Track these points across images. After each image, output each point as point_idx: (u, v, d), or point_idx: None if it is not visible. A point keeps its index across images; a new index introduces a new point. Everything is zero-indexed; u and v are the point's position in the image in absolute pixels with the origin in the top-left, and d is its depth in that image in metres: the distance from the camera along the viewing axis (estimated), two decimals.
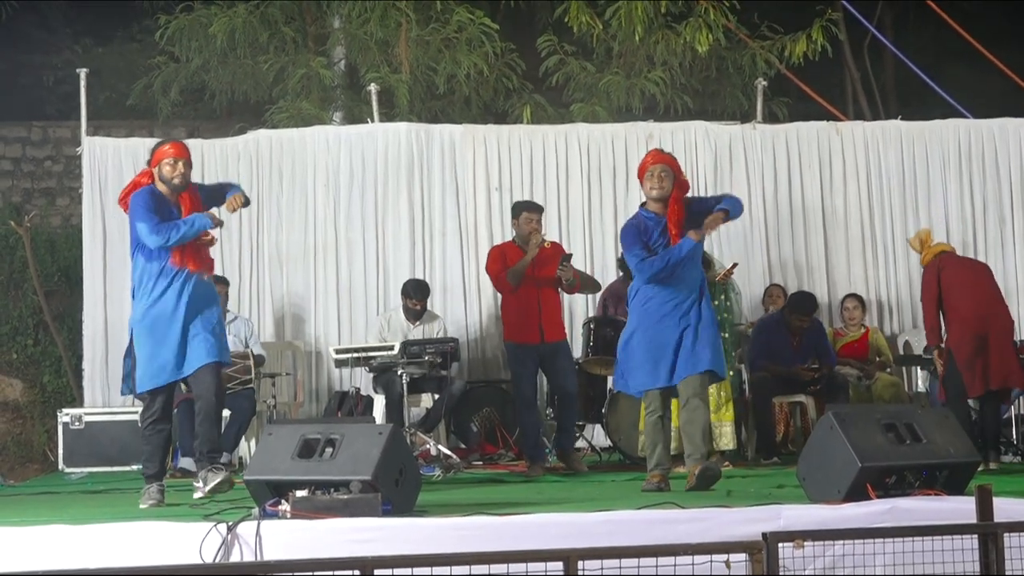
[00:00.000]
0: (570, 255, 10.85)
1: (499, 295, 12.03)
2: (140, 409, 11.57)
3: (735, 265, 11.18)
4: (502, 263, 10.76)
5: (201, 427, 8.55)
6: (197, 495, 8.48)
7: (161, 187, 8.59)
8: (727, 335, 10.75)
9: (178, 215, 8.52)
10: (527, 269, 10.65)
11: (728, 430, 10.67)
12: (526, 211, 10.93)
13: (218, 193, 8.93)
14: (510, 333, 10.82)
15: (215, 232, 8.65)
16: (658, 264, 8.84)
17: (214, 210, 8.69)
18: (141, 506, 8.37)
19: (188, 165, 8.67)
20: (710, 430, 9.98)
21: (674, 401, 9.17)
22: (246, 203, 8.73)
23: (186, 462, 10.87)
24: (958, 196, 13.39)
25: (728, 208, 8.95)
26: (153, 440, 8.56)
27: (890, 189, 13.38)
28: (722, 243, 12.95)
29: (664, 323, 8.86)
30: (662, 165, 8.99)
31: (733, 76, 15.54)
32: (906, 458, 7.54)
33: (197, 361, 8.44)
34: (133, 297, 8.74)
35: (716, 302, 10.72)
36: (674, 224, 8.90)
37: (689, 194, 9.20)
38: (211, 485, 8.24)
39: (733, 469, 10.38)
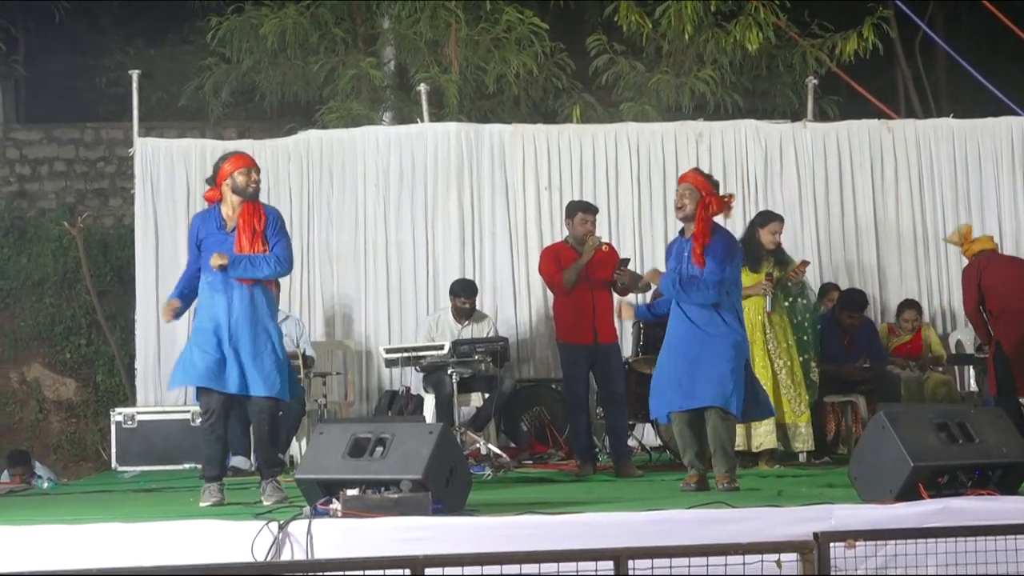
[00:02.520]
0: (627, 260, 10.76)
1: (549, 295, 12.06)
2: (192, 408, 11.80)
3: (805, 263, 11.03)
4: (556, 264, 10.69)
5: (257, 447, 8.83)
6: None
7: (229, 202, 8.62)
8: (810, 335, 10.74)
9: (223, 240, 8.57)
10: (582, 271, 10.60)
11: (803, 431, 10.62)
12: (581, 212, 10.84)
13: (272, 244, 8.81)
14: (563, 333, 10.75)
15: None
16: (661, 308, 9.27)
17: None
18: (202, 504, 8.42)
19: (259, 171, 8.76)
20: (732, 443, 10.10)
21: None
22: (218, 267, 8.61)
23: (237, 460, 10.93)
24: (1011, 194, 13.29)
25: (672, 279, 8.99)
26: (211, 445, 8.62)
27: (942, 187, 13.29)
28: None
29: (680, 339, 8.94)
30: (685, 184, 9.01)
31: (783, 74, 15.48)
32: (958, 458, 7.50)
33: (253, 389, 8.51)
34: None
35: (791, 299, 10.72)
36: (699, 243, 8.89)
37: (737, 198, 9.22)
38: (267, 503, 8.34)
39: (784, 469, 10.35)
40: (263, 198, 12.57)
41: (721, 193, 9.06)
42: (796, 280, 10.74)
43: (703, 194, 8.91)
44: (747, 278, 10.35)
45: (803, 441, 10.61)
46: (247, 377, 8.46)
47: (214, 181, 8.71)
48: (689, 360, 8.83)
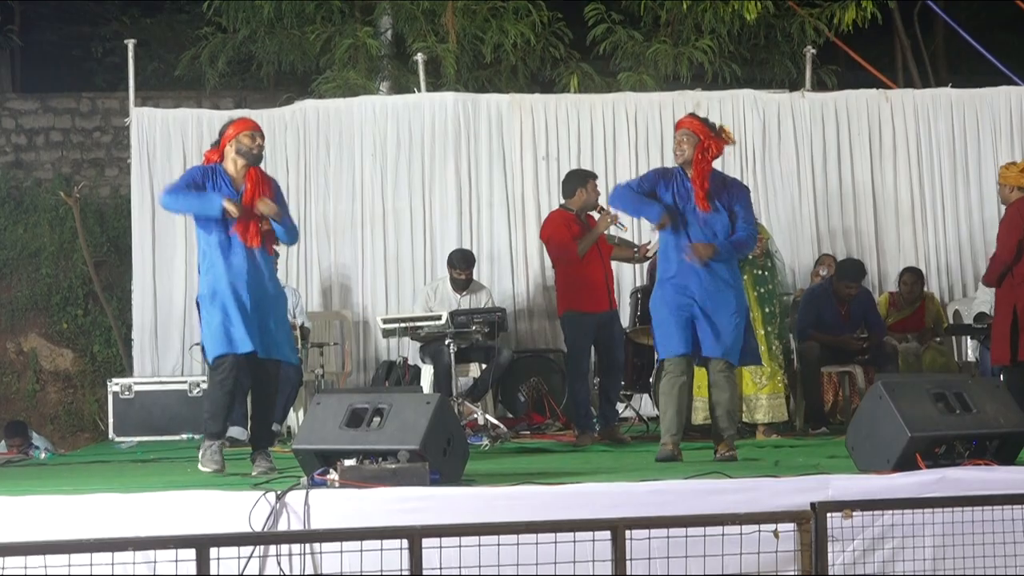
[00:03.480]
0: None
1: (547, 266, 12.09)
2: (189, 379, 11.80)
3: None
4: (568, 231, 10.66)
5: (259, 411, 8.71)
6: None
7: (232, 165, 8.51)
8: (774, 307, 10.70)
9: (234, 194, 8.40)
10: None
11: (765, 403, 10.59)
12: (593, 179, 10.84)
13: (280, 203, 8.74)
14: (574, 302, 10.57)
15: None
16: (627, 195, 8.87)
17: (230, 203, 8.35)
18: (202, 469, 8.36)
19: (263, 137, 8.64)
20: (740, 406, 10.17)
21: (699, 372, 9.19)
22: (269, 213, 8.51)
23: (235, 431, 10.94)
24: None
25: (724, 247, 8.75)
26: (218, 399, 8.45)
27: (940, 158, 13.29)
28: (769, 213, 12.90)
29: (683, 290, 8.72)
30: (683, 129, 8.86)
31: (782, 44, 15.44)
32: (956, 428, 7.50)
33: (277, 352, 8.50)
34: (199, 271, 8.71)
35: (758, 271, 10.67)
36: (699, 186, 8.74)
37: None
38: (256, 472, 8.29)
39: (781, 439, 10.37)
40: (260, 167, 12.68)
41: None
42: (756, 254, 10.56)
43: (701, 138, 8.78)
44: None
45: (764, 413, 10.58)
46: (270, 340, 8.45)
47: (218, 144, 8.62)
48: (703, 308, 8.68)
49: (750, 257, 10.39)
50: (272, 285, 8.61)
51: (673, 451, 8.73)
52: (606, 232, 10.72)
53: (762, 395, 10.56)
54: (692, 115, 9.10)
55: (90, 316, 15.36)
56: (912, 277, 12.43)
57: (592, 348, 10.75)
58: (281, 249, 12.14)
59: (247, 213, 8.38)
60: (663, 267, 8.88)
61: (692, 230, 8.75)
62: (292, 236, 8.78)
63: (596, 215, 10.67)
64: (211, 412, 8.54)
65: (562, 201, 10.96)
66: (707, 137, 8.80)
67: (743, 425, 10.56)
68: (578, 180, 10.83)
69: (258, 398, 8.75)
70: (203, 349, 8.64)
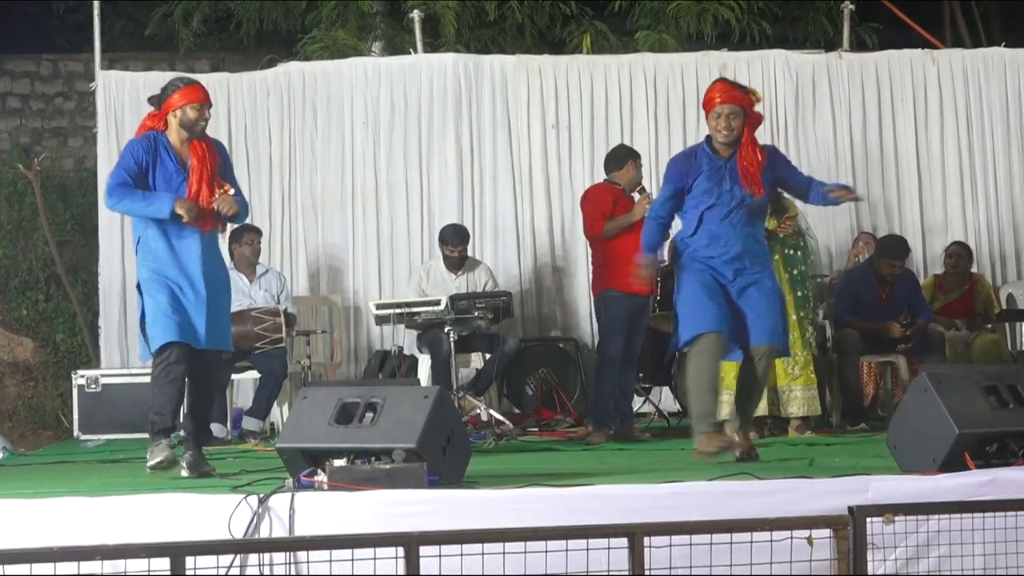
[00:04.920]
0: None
1: (557, 244, 12.15)
2: None
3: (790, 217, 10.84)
4: (611, 207, 10.66)
5: (201, 406, 8.68)
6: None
7: (175, 135, 8.48)
8: (807, 290, 10.70)
9: (175, 171, 8.41)
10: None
11: (799, 395, 10.61)
12: (634, 158, 10.89)
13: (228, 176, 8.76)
14: (615, 282, 10.51)
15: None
16: (647, 242, 8.85)
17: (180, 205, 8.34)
18: (149, 463, 8.37)
19: (211, 108, 8.60)
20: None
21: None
22: (229, 212, 8.55)
23: (214, 428, 11.00)
24: None
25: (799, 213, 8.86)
26: (164, 390, 8.43)
27: (992, 124, 13.29)
28: None
29: (714, 271, 8.63)
30: (731, 106, 8.54)
31: (817, 0, 15.44)
32: (1009, 424, 7.50)
33: (223, 343, 8.54)
34: (137, 252, 8.65)
35: (789, 251, 10.67)
36: (749, 172, 8.57)
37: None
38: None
39: (816, 436, 10.39)
40: (240, 136, 12.70)
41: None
42: (787, 232, 10.60)
43: (748, 112, 8.63)
44: None
45: (798, 406, 10.59)
46: (214, 330, 8.47)
47: (159, 105, 8.55)
48: (740, 289, 8.63)
49: (780, 236, 10.43)
50: (222, 269, 8.69)
51: (727, 444, 8.54)
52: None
53: (796, 386, 10.57)
54: (725, 82, 8.87)
55: (52, 301, 15.38)
56: (959, 250, 12.43)
57: (624, 335, 10.70)
58: (264, 228, 12.26)
59: (191, 193, 8.40)
60: (692, 245, 8.75)
61: (720, 212, 8.61)
62: (244, 213, 8.75)
63: (636, 196, 10.66)
64: (159, 406, 8.48)
65: (604, 176, 10.99)
66: (751, 108, 8.66)
67: (773, 420, 10.59)
68: (626, 155, 10.89)
69: (199, 391, 8.69)
70: (145, 337, 8.63)
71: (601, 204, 10.74)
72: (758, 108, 8.79)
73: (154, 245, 8.45)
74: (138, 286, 8.57)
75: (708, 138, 8.77)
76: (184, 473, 8.32)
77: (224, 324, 8.59)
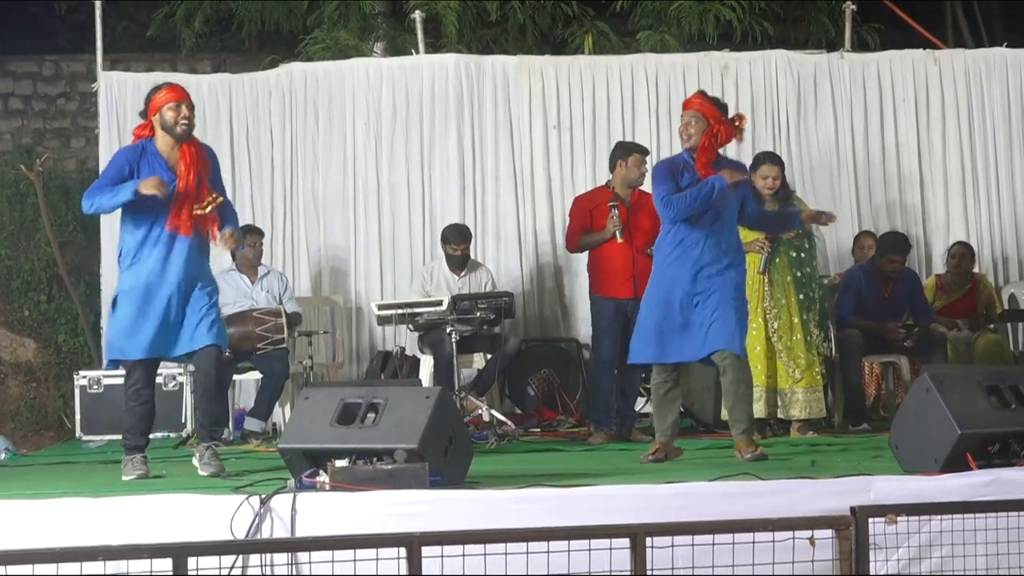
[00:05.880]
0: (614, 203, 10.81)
1: (559, 245, 12.26)
2: (164, 371, 11.78)
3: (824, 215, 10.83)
4: (588, 219, 10.84)
5: (201, 401, 8.69)
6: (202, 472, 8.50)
7: (163, 142, 8.49)
8: (812, 292, 10.68)
9: (170, 176, 8.39)
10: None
11: (801, 397, 10.59)
12: (638, 152, 10.87)
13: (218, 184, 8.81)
14: (597, 286, 10.85)
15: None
16: (685, 200, 8.83)
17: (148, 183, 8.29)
18: (125, 478, 8.42)
19: (191, 108, 8.55)
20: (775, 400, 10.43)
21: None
22: (233, 248, 8.81)
23: (251, 423, 11.04)
24: None
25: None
26: (136, 411, 8.57)
27: (994, 124, 13.26)
28: (805, 186, 12.88)
29: (676, 289, 8.90)
30: (691, 111, 8.98)
31: (818, 0, 15.42)
32: (1011, 424, 7.51)
33: (201, 341, 8.47)
34: (118, 264, 8.68)
35: (794, 253, 10.66)
36: (703, 176, 8.88)
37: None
38: (205, 473, 8.35)
39: (818, 437, 10.38)
40: (242, 137, 12.69)
41: (730, 115, 9.08)
42: (791, 235, 10.57)
43: (711, 122, 8.91)
44: (744, 233, 10.46)
45: (800, 408, 10.58)
46: (196, 330, 8.45)
47: (146, 115, 8.59)
48: (699, 296, 8.86)
49: (784, 237, 10.45)
50: (209, 272, 8.70)
51: (657, 453, 8.93)
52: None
53: (798, 389, 10.55)
54: (702, 94, 9.23)
55: (54, 302, 15.37)
56: (961, 251, 12.42)
57: (617, 337, 10.75)
58: (266, 229, 12.26)
59: (179, 198, 8.39)
60: (658, 252, 9.12)
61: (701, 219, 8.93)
62: (235, 223, 8.83)
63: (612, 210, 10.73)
64: (128, 425, 8.64)
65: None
66: (717, 121, 8.93)
67: (776, 421, 10.59)
68: (618, 153, 10.98)
69: (198, 384, 8.72)
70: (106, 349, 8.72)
71: (579, 218, 11.00)
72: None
73: (131, 255, 8.48)
74: (114, 299, 8.59)
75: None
76: (200, 472, 8.36)
77: (208, 321, 8.50)
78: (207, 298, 8.56)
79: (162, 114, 8.46)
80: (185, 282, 8.45)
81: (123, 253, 8.57)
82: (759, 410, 10.41)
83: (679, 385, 9.15)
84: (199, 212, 8.43)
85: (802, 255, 10.72)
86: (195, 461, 8.56)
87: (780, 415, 10.56)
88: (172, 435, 11.45)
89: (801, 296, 10.61)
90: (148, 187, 8.19)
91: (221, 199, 8.54)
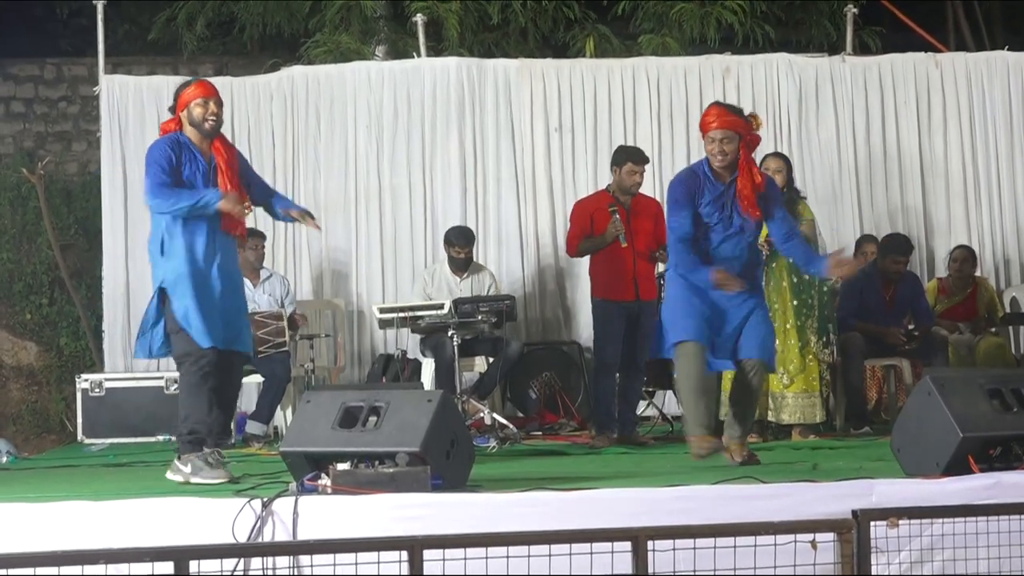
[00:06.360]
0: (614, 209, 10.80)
1: (560, 248, 12.29)
2: (166, 374, 11.79)
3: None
4: (588, 224, 10.81)
5: (228, 407, 8.72)
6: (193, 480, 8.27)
7: (191, 134, 8.51)
8: (811, 297, 10.66)
9: (205, 168, 8.42)
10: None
11: (791, 402, 10.57)
12: (632, 162, 10.81)
13: (259, 184, 8.95)
14: (600, 290, 10.82)
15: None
16: (689, 265, 8.60)
17: (227, 201, 8.33)
18: (213, 482, 8.15)
19: (220, 105, 8.54)
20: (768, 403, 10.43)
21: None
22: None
23: (252, 426, 11.03)
24: None
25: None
26: (203, 392, 8.31)
27: (996, 127, 13.27)
28: (806, 189, 12.85)
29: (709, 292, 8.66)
30: (724, 131, 8.51)
31: (820, 3, 15.43)
32: (1013, 428, 7.51)
33: (244, 346, 8.50)
34: (161, 254, 8.58)
35: (791, 259, 10.64)
36: (744, 195, 8.56)
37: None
38: (208, 481, 8.21)
39: (820, 440, 10.37)
40: (243, 140, 12.70)
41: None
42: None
43: (743, 134, 8.58)
44: None
45: (790, 414, 10.57)
46: (238, 333, 8.46)
47: (174, 110, 8.59)
48: (728, 305, 8.66)
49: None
50: (239, 273, 8.76)
51: (714, 447, 8.61)
52: None
53: (788, 393, 10.53)
54: (720, 106, 8.79)
55: (56, 306, 15.37)
56: (963, 254, 12.42)
57: (619, 340, 10.75)
58: (268, 232, 12.26)
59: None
60: (679, 264, 8.77)
61: (718, 235, 8.65)
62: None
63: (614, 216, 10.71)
64: (196, 415, 8.33)
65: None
66: (747, 132, 8.62)
67: (778, 425, 10.59)
68: (615, 159, 10.96)
69: (226, 393, 8.68)
70: (168, 340, 8.57)
71: (580, 222, 10.96)
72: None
73: (182, 248, 8.37)
74: (161, 290, 8.47)
75: (707, 159, 8.75)
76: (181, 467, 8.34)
77: (245, 326, 8.59)
78: (244, 300, 8.69)
79: (190, 110, 8.46)
80: (228, 276, 8.46)
81: (163, 244, 8.41)
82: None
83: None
84: (245, 212, 8.49)
85: None
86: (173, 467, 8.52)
87: (771, 418, 10.56)
88: (174, 438, 11.43)
89: (796, 302, 10.58)
90: (228, 204, 8.26)
91: (250, 205, 8.73)
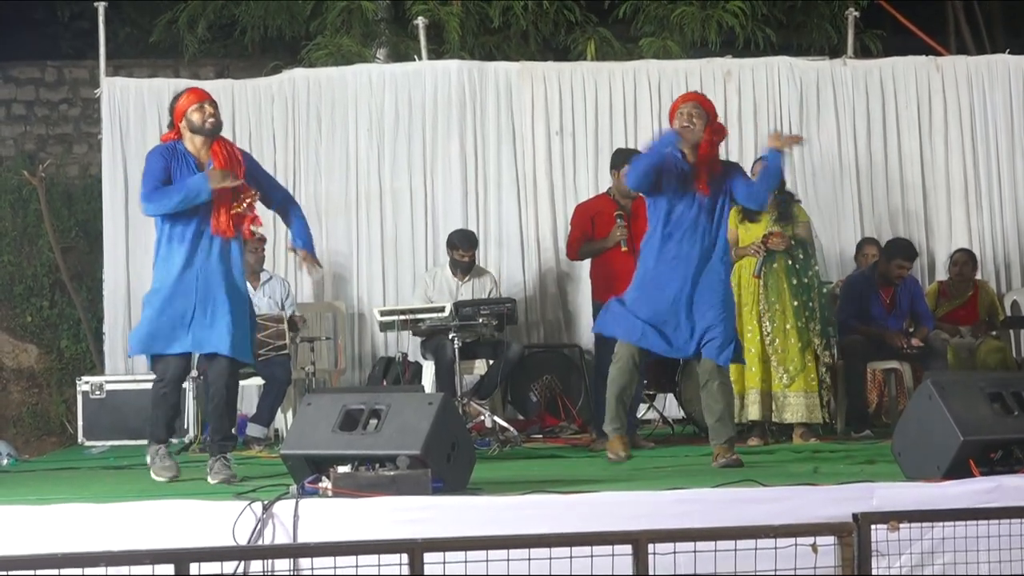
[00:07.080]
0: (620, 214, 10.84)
1: (561, 251, 12.28)
2: None
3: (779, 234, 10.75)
4: (590, 227, 10.89)
5: (212, 416, 8.71)
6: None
7: (192, 142, 8.57)
8: (811, 299, 10.65)
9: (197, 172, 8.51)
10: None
11: (792, 400, 10.57)
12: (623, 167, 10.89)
13: (274, 188, 9.08)
14: (599, 293, 10.79)
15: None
16: (644, 158, 8.99)
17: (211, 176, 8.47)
18: (158, 480, 8.50)
19: (214, 105, 8.67)
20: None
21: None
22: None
23: (253, 429, 11.02)
24: None
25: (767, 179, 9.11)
26: (161, 405, 8.66)
27: (996, 130, 13.27)
28: (807, 192, 12.87)
29: (666, 286, 8.94)
30: (692, 103, 8.99)
31: (821, 6, 15.41)
32: (1013, 431, 7.50)
33: (219, 346, 8.49)
34: (155, 263, 8.69)
35: (790, 261, 10.63)
36: (704, 172, 8.90)
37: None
38: (215, 480, 8.35)
39: (821, 443, 10.36)
40: (244, 143, 12.71)
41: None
42: (778, 247, 10.59)
43: (711, 116, 9.00)
44: (745, 232, 10.57)
45: (792, 413, 10.57)
46: (214, 334, 8.46)
47: (172, 124, 8.69)
48: (687, 301, 8.91)
49: (781, 248, 10.48)
50: (239, 279, 8.68)
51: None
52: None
53: (789, 393, 10.53)
54: (694, 92, 9.47)
55: (57, 308, 15.37)
56: (964, 257, 12.42)
57: None
58: (268, 235, 12.25)
59: (218, 197, 8.45)
60: (642, 260, 9.16)
61: (681, 213, 8.95)
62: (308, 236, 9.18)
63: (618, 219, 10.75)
64: (153, 420, 8.73)
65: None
66: (714, 116, 9.05)
67: (777, 426, 10.59)
68: (614, 161, 11.05)
69: (212, 398, 8.73)
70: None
71: (581, 225, 11.07)
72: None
73: (164, 258, 8.52)
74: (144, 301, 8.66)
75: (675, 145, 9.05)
76: (210, 479, 8.38)
77: (244, 334, 8.57)
78: (237, 303, 8.60)
79: (188, 118, 8.58)
80: (215, 280, 8.48)
81: (157, 254, 8.64)
82: (755, 412, 10.46)
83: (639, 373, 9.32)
84: (236, 211, 8.50)
85: (797, 266, 10.68)
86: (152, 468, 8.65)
87: (775, 419, 10.56)
88: (174, 440, 11.43)
89: (796, 303, 10.58)
90: (216, 181, 8.38)
91: (257, 194, 8.66)
